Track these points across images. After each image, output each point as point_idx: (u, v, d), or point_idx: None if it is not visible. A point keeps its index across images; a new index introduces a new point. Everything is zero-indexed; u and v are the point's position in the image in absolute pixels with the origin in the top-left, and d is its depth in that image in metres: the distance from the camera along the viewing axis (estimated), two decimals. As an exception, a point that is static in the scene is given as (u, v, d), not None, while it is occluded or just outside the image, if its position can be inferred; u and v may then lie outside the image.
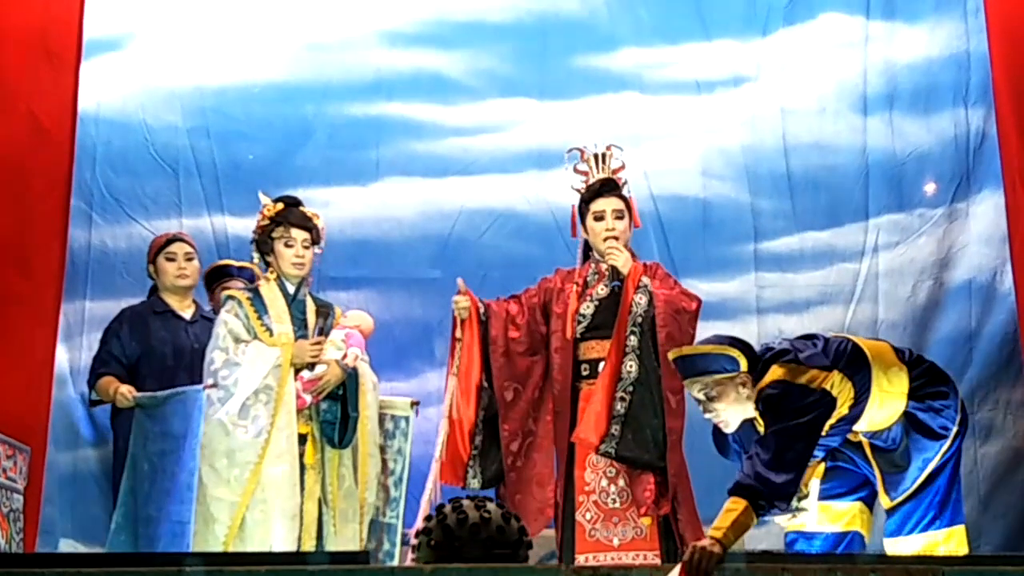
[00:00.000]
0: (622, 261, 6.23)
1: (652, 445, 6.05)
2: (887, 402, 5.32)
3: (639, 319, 6.15)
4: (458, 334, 6.28)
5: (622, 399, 6.08)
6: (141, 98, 7.99)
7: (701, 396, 5.20)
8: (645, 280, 6.23)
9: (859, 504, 5.55)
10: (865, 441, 5.44)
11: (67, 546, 7.19)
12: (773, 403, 5.09)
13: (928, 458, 5.35)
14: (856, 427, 5.33)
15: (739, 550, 5.08)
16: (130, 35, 8.02)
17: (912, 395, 5.36)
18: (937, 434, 5.36)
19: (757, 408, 5.17)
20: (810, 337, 5.41)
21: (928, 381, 5.40)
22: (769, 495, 4.89)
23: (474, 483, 6.21)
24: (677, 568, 4.58)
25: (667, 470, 6.04)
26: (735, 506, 4.83)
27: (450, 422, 6.22)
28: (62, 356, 7.32)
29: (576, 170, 6.48)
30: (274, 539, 5.99)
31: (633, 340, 6.13)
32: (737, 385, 5.17)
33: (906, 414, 5.36)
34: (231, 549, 5.88)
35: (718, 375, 5.17)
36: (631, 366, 6.11)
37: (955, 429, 5.37)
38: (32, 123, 6.97)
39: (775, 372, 5.15)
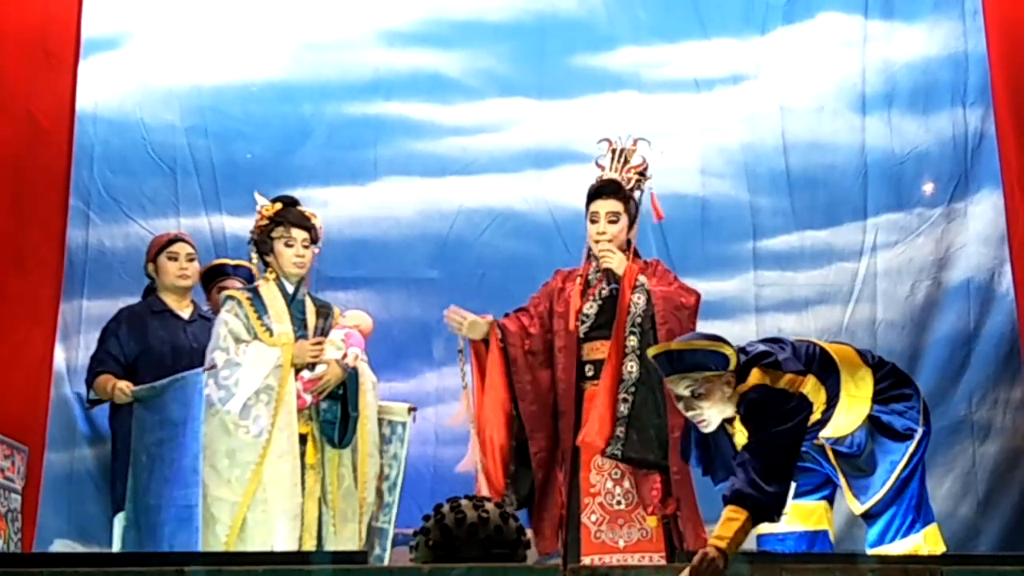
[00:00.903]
0: (615, 263, 6.21)
1: (656, 445, 6.04)
2: (853, 407, 5.33)
3: (638, 319, 6.14)
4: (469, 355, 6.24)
5: (624, 400, 6.07)
6: (139, 97, 7.97)
7: (686, 393, 5.15)
8: (642, 279, 6.21)
9: (824, 503, 5.59)
10: (827, 446, 5.44)
11: (65, 546, 7.17)
12: (756, 409, 5.07)
13: (895, 460, 5.36)
14: (821, 433, 5.33)
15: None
16: (128, 34, 8.00)
17: (876, 398, 5.37)
18: (902, 435, 5.37)
19: (738, 411, 5.15)
20: (776, 340, 5.39)
21: (892, 384, 5.42)
22: (768, 505, 4.88)
23: (509, 510, 6.20)
24: (685, 572, 4.58)
25: (671, 469, 6.04)
26: (736, 516, 4.80)
27: (484, 442, 6.16)
28: (59, 356, 7.29)
29: (597, 164, 6.45)
30: (276, 539, 5.99)
31: (633, 340, 6.11)
32: (723, 384, 5.13)
33: (870, 417, 5.37)
34: (232, 549, 5.87)
35: (708, 372, 5.13)
36: (632, 367, 6.10)
37: (920, 430, 5.39)
38: (31, 122, 6.98)
39: (755, 376, 5.13)
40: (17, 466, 6.45)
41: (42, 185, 6.99)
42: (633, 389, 6.08)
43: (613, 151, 6.42)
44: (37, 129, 6.97)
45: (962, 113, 8.10)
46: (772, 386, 5.09)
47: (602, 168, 6.42)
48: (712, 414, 5.17)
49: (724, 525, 4.80)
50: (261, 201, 6.38)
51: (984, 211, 7.92)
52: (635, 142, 6.44)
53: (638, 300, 6.17)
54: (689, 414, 5.22)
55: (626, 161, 6.40)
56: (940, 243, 8.02)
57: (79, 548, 7.17)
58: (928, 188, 8.13)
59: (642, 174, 6.41)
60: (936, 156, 8.12)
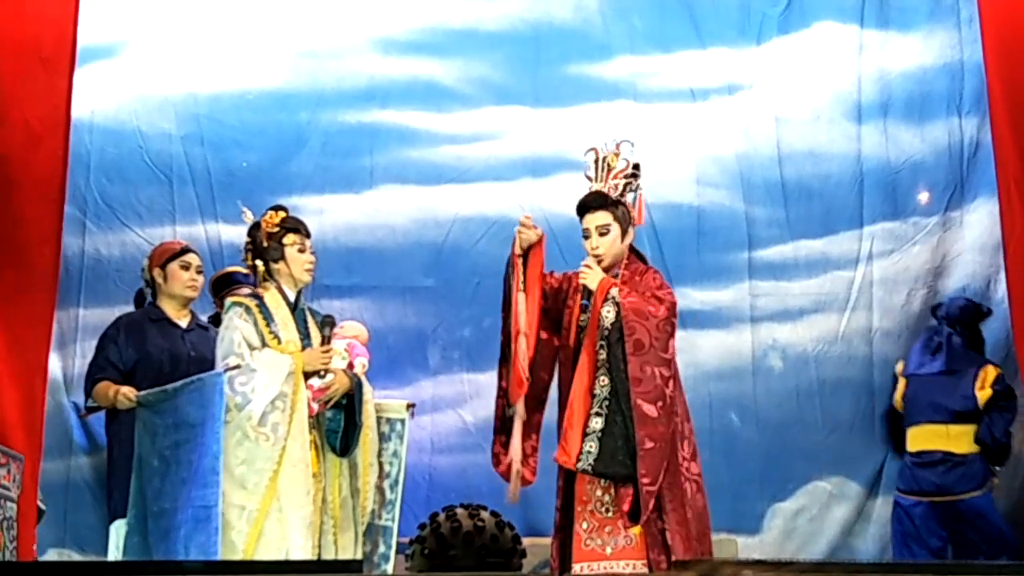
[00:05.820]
0: (591, 280, 6.19)
1: (629, 458, 6.02)
2: None
3: (606, 332, 6.10)
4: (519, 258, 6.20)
5: (598, 415, 6.05)
6: (135, 105, 7.96)
7: None
8: (613, 292, 6.14)
9: None
10: None
11: (60, 555, 7.17)
12: None
13: None
14: None
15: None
16: (124, 42, 7.99)
17: None
18: None
19: None
20: None
21: None
22: None
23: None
24: None
25: (641, 480, 6.01)
26: None
27: (519, 339, 6.15)
28: (56, 364, 7.27)
29: (586, 175, 6.41)
30: (291, 547, 5.95)
31: (603, 354, 6.10)
32: None
33: None
34: (250, 557, 5.85)
35: None
36: (603, 380, 6.08)
37: None
38: (25, 128, 6.95)
39: None
40: (13, 475, 6.44)
41: (36, 190, 6.98)
42: (607, 403, 6.07)
43: (597, 161, 6.38)
44: (32, 134, 6.94)
45: (958, 122, 8.12)
46: None
47: (590, 180, 6.40)
48: None
49: None
50: (247, 211, 6.35)
51: (980, 220, 7.94)
52: (617, 146, 6.40)
53: (608, 313, 6.12)
54: None
55: (609, 169, 6.36)
56: (936, 252, 8.04)
57: (77, 557, 7.17)
58: (924, 197, 8.14)
59: (632, 176, 6.33)
60: (932, 165, 8.14)
